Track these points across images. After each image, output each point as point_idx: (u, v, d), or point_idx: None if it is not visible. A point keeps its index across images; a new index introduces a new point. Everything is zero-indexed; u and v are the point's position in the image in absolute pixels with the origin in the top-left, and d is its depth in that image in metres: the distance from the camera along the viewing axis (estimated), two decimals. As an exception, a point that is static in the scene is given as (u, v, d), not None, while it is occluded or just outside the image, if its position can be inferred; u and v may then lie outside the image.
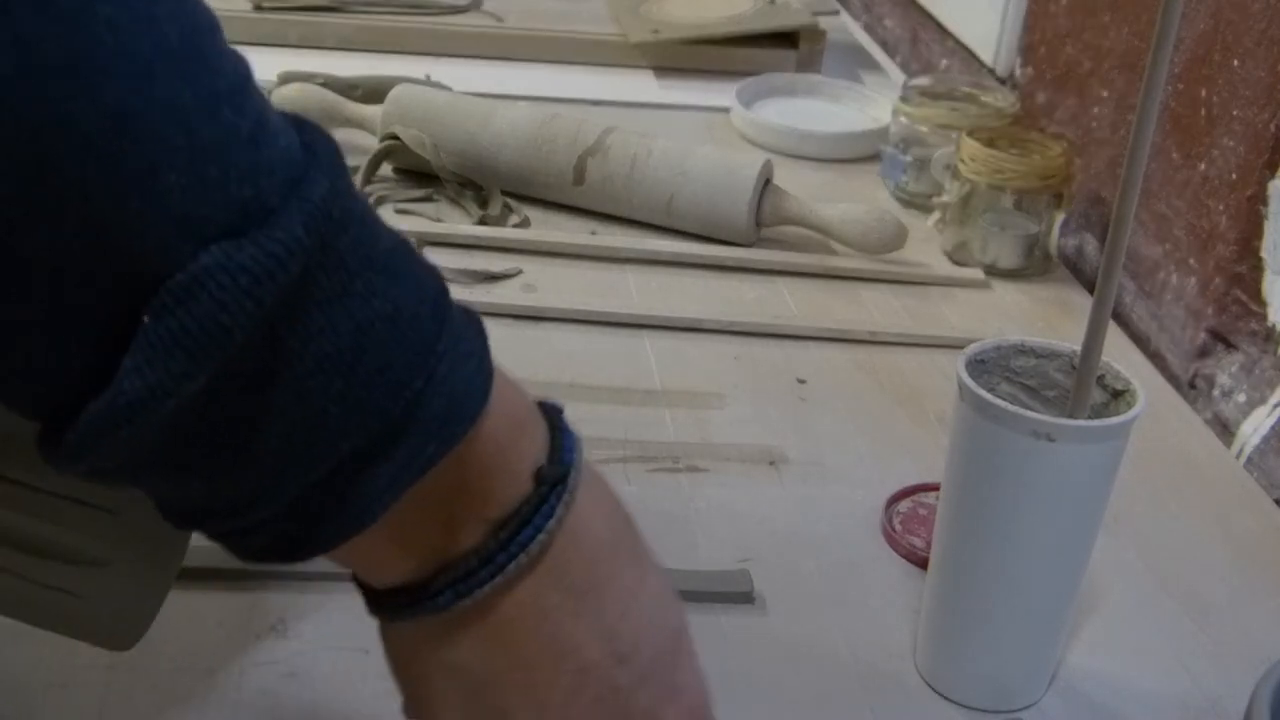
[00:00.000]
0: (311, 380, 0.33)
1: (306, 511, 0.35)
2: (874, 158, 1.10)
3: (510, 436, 0.38)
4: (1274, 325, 0.80)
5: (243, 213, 0.31)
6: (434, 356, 0.35)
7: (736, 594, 0.63)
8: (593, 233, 0.98)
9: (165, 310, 0.31)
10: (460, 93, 1.08)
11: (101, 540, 0.44)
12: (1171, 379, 0.87)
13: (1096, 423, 0.53)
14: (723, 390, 0.80)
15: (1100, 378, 0.55)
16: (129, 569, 0.45)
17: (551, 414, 0.41)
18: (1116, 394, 0.55)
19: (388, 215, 0.96)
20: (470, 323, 0.38)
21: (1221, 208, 0.84)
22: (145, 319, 0.31)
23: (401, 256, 0.35)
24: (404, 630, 0.41)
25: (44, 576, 0.44)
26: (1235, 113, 0.83)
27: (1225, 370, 0.84)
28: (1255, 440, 0.80)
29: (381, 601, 0.40)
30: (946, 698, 0.59)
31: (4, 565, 0.44)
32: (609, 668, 0.40)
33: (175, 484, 0.35)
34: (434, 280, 0.37)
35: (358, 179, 0.98)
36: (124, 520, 0.44)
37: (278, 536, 0.36)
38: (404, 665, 0.42)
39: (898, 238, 0.94)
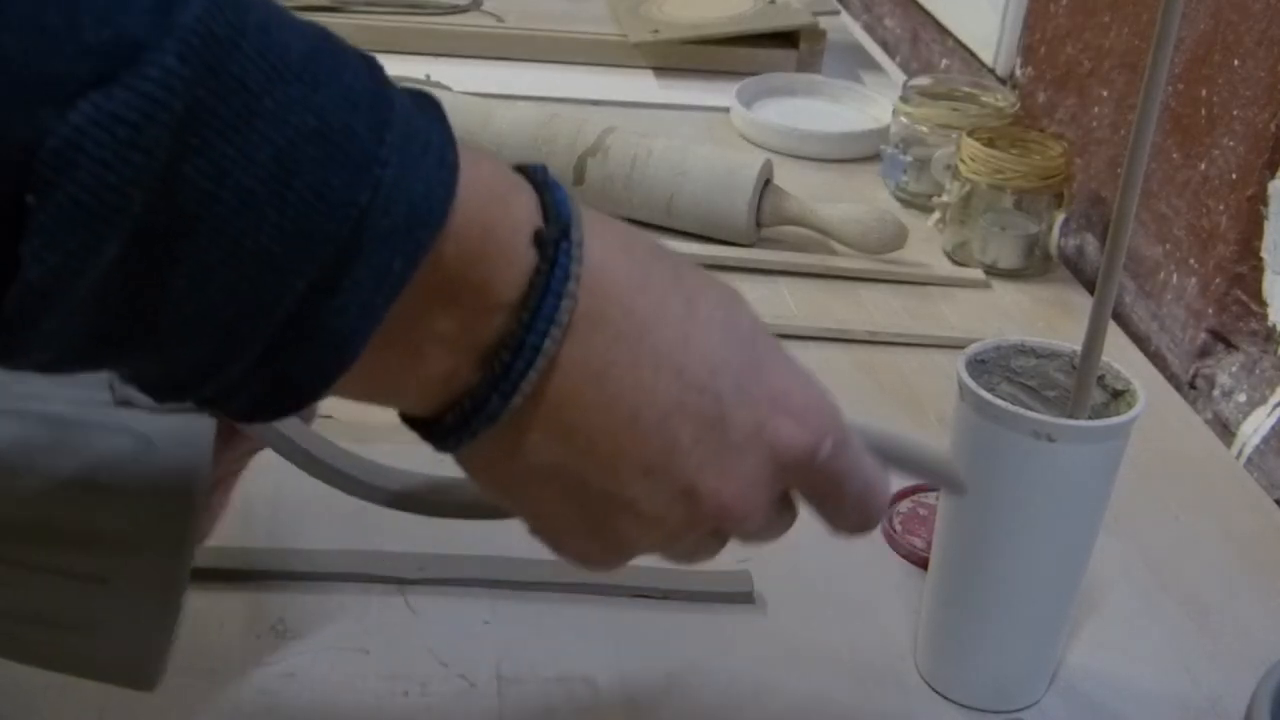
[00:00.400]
0: (238, 220, 0.30)
1: (280, 360, 0.33)
2: (874, 158, 1.10)
3: (495, 214, 0.35)
4: (1274, 325, 0.80)
5: (106, 57, 0.28)
6: (377, 164, 0.32)
7: (736, 594, 0.63)
8: (593, 233, 0.98)
9: (46, 185, 0.28)
10: (460, 93, 1.08)
11: (94, 609, 0.43)
12: (1172, 379, 0.87)
13: (1097, 423, 0.53)
14: (723, 390, 0.80)
15: (1100, 378, 0.55)
16: (126, 629, 0.44)
17: (535, 175, 0.38)
18: (1117, 394, 0.55)
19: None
20: (424, 112, 0.34)
21: (1222, 208, 0.84)
22: (29, 199, 0.28)
23: (322, 60, 0.32)
24: (476, 455, 0.38)
25: (46, 639, 0.44)
26: (1235, 113, 0.83)
27: (1225, 370, 0.84)
28: (1255, 440, 0.80)
29: (436, 434, 0.38)
30: (946, 698, 0.59)
31: (5, 631, 0.44)
32: (693, 402, 0.38)
33: (130, 361, 0.33)
34: (369, 76, 0.33)
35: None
36: (115, 588, 0.43)
37: (261, 393, 0.34)
38: (499, 489, 0.40)
39: (898, 238, 0.94)
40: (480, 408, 0.36)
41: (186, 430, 0.43)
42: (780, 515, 0.43)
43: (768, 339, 0.41)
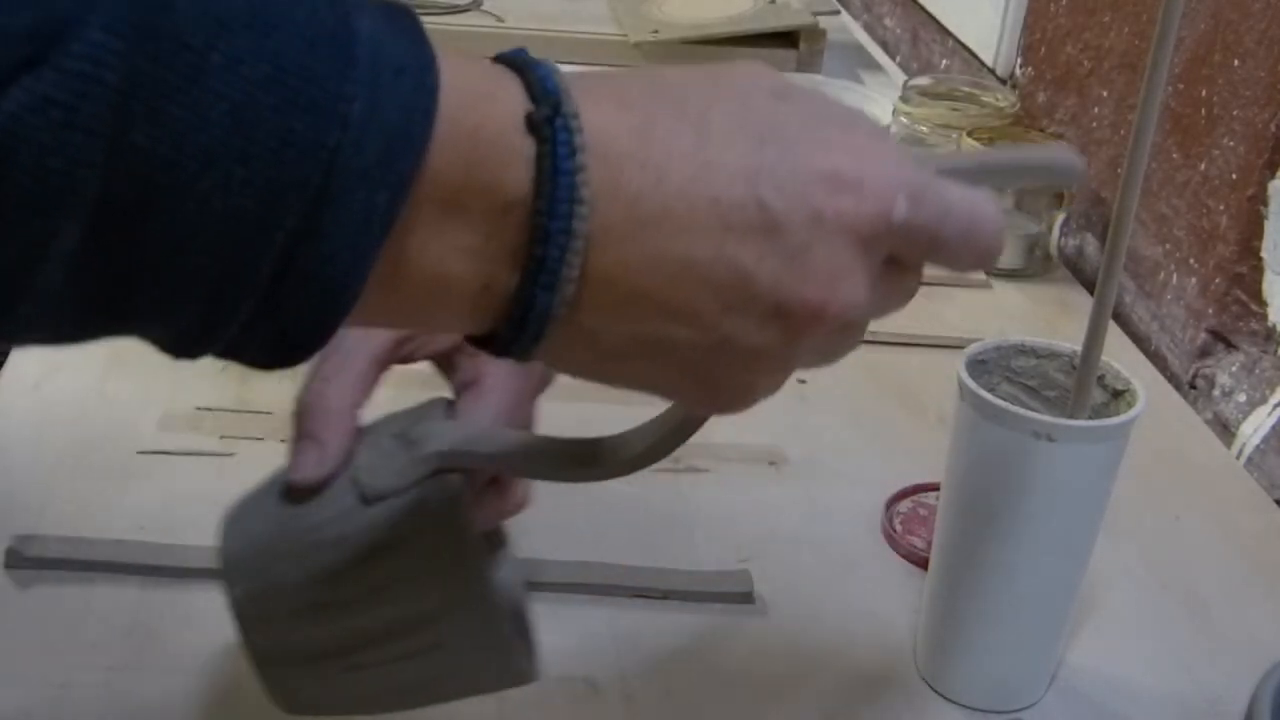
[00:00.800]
0: (202, 181, 0.30)
1: (276, 311, 0.32)
2: (874, 158, 1.10)
3: (481, 114, 0.34)
4: (1274, 325, 0.80)
5: (30, 39, 0.27)
6: (343, 100, 0.31)
7: (736, 594, 0.63)
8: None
9: None
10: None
11: (451, 664, 0.47)
12: (1172, 379, 0.87)
13: (1097, 423, 0.53)
14: (723, 390, 0.80)
15: (1100, 378, 0.55)
16: (484, 661, 0.47)
17: (515, 59, 0.36)
18: (1117, 394, 0.55)
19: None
20: (399, 34, 0.33)
21: (1222, 208, 0.84)
22: None
23: (272, 1, 0.30)
24: (554, 355, 0.37)
25: (437, 689, 0.49)
26: (1235, 113, 0.83)
27: (1225, 370, 0.84)
28: (1255, 440, 0.80)
29: (500, 347, 0.36)
30: (946, 698, 0.59)
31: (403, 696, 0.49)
32: (739, 221, 0.36)
33: (130, 330, 0.33)
34: (329, 7, 0.31)
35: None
36: (454, 645, 0.46)
37: (266, 343, 0.33)
38: (595, 379, 0.38)
39: (898, 238, 0.94)
40: (530, 308, 0.35)
41: (436, 496, 0.45)
42: (898, 282, 0.40)
43: (798, 115, 0.38)
